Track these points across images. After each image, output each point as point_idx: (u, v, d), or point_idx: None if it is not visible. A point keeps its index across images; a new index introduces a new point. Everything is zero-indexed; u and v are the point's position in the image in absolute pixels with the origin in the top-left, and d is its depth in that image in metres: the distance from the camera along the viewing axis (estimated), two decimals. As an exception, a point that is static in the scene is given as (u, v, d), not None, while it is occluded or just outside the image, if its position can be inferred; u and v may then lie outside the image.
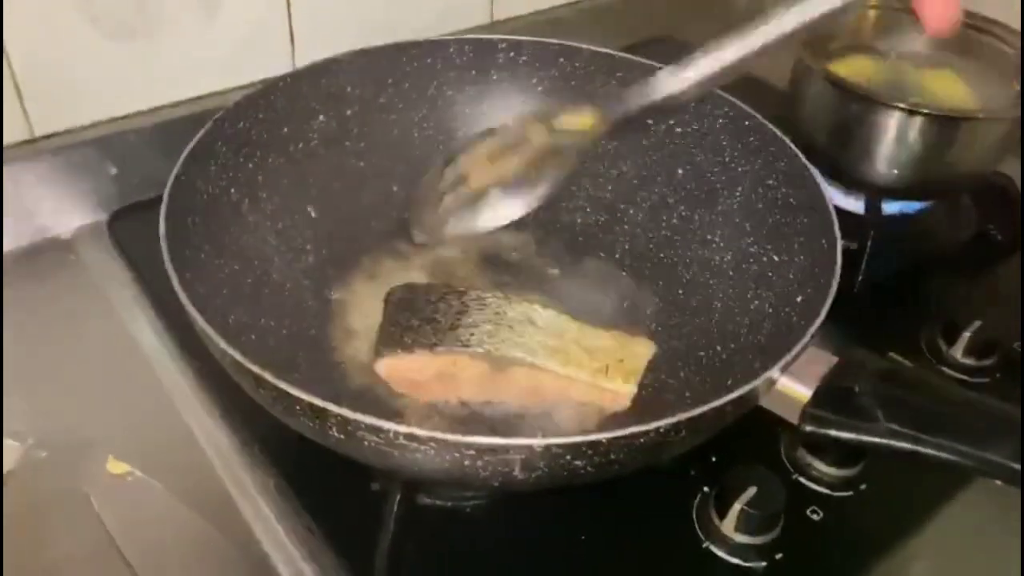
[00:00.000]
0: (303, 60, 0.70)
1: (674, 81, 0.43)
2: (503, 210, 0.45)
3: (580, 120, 0.46)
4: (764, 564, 0.46)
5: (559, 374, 0.50)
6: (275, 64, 0.70)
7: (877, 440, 0.38)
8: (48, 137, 0.63)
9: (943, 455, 0.37)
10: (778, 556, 0.46)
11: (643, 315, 0.57)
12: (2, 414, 0.50)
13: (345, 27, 0.72)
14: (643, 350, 0.52)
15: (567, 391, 0.51)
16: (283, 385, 0.36)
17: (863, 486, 0.50)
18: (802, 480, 0.50)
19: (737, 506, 0.46)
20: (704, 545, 0.47)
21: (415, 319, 0.51)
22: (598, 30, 0.89)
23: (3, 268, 0.61)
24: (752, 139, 0.56)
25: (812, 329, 0.41)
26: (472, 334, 0.50)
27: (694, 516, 0.48)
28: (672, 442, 0.38)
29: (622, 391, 0.50)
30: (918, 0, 0.38)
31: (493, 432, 0.49)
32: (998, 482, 0.36)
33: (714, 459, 0.50)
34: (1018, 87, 0.68)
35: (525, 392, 0.51)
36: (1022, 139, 0.63)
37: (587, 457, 0.36)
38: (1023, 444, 0.36)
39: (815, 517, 0.49)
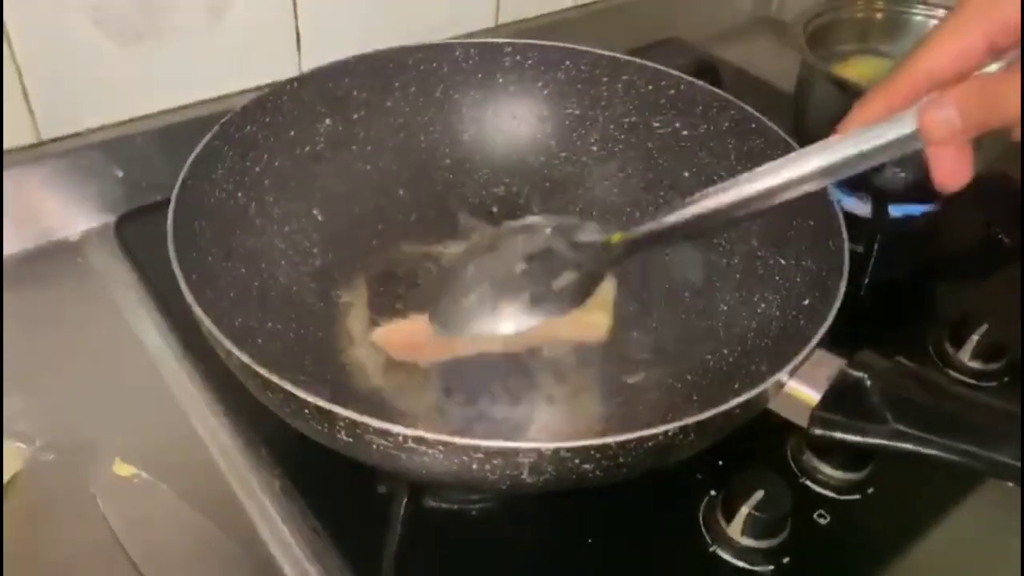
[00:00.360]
0: (309, 64, 0.71)
1: (703, 204, 0.44)
2: (523, 320, 0.48)
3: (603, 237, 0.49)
4: (771, 568, 0.46)
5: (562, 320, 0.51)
6: (281, 68, 0.70)
7: (887, 442, 0.38)
8: (55, 140, 0.63)
9: (953, 457, 0.37)
10: (785, 560, 0.46)
11: (648, 318, 0.57)
12: (1, 414, 0.50)
13: (351, 31, 0.72)
14: (607, 285, 0.56)
15: (553, 331, 0.53)
16: (292, 388, 0.36)
17: (870, 489, 0.50)
18: (809, 484, 0.50)
19: (744, 510, 0.45)
20: (711, 549, 0.47)
21: (399, 287, 0.52)
22: (604, 33, 0.88)
23: (6, 271, 0.61)
24: (758, 142, 0.56)
25: (821, 331, 0.41)
26: None
27: (700, 520, 0.48)
28: (680, 445, 0.38)
29: (601, 323, 0.55)
30: (932, 150, 0.37)
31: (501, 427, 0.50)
32: (1010, 484, 0.36)
33: (720, 463, 0.50)
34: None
35: (514, 339, 0.51)
36: (1022, 139, 0.63)
37: (595, 460, 0.36)
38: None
39: (822, 521, 0.48)
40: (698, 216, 0.44)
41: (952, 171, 0.37)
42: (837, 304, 0.42)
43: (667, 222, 0.45)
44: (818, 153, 0.40)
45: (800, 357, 0.39)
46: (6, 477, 0.47)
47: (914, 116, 0.36)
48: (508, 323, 0.48)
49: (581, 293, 0.49)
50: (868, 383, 0.40)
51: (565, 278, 0.49)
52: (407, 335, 0.51)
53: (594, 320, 0.55)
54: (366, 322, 0.55)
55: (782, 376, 0.40)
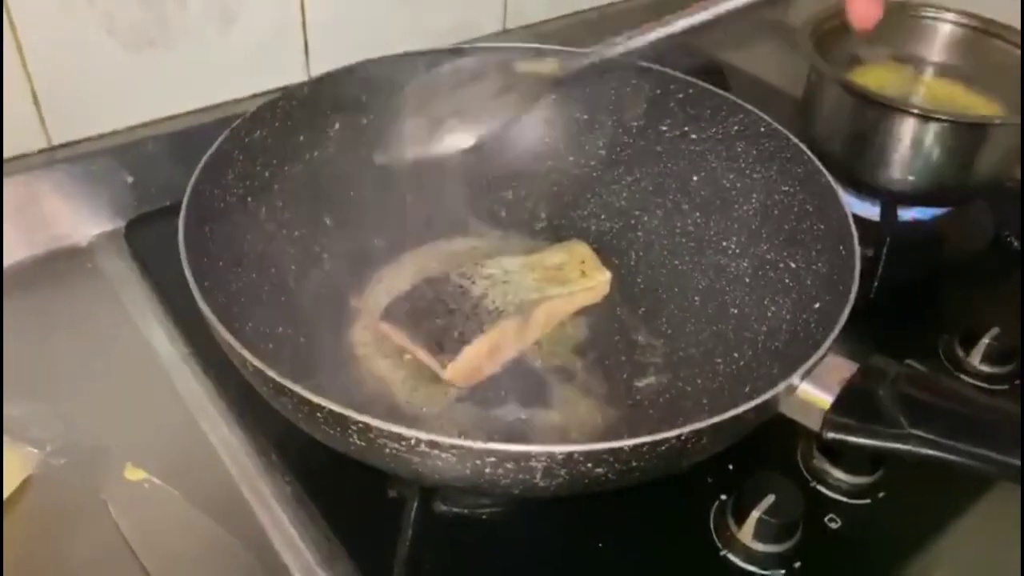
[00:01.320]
0: (318, 69, 0.71)
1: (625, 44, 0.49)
2: (459, 137, 0.52)
3: (539, 66, 0.54)
4: (783, 572, 0.46)
5: (564, 294, 0.56)
6: (290, 73, 0.70)
7: (902, 447, 0.38)
8: (66, 146, 0.64)
9: (968, 461, 0.36)
10: (796, 564, 0.46)
11: (659, 322, 0.57)
12: (2, 419, 0.50)
13: (359, 37, 0.73)
14: (582, 247, 0.60)
15: (571, 304, 0.57)
16: (306, 393, 0.36)
17: (881, 494, 0.50)
18: (820, 488, 0.50)
19: (755, 514, 0.45)
20: (722, 553, 0.46)
21: (437, 320, 0.52)
22: (611, 36, 0.89)
23: (16, 276, 0.61)
24: (767, 145, 0.56)
25: (833, 335, 0.41)
26: (493, 302, 0.53)
27: (711, 524, 0.48)
28: (693, 449, 0.38)
29: (603, 279, 0.58)
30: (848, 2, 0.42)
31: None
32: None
33: (731, 467, 0.50)
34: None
35: (543, 325, 0.56)
36: (1022, 142, 0.63)
37: (608, 464, 0.36)
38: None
39: (833, 525, 0.48)
40: (633, 49, 0.49)
41: (864, 12, 0.42)
42: (849, 307, 0.42)
43: (604, 55, 0.50)
44: None
45: (813, 360, 0.40)
46: (17, 481, 0.48)
47: None
48: (444, 143, 0.52)
49: (520, 104, 0.53)
50: (881, 387, 0.40)
51: (502, 95, 0.53)
52: (472, 362, 0.51)
53: (595, 281, 0.58)
54: (374, 330, 0.55)
55: (794, 379, 0.40)
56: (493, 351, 0.52)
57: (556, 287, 0.56)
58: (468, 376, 0.51)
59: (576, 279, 0.57)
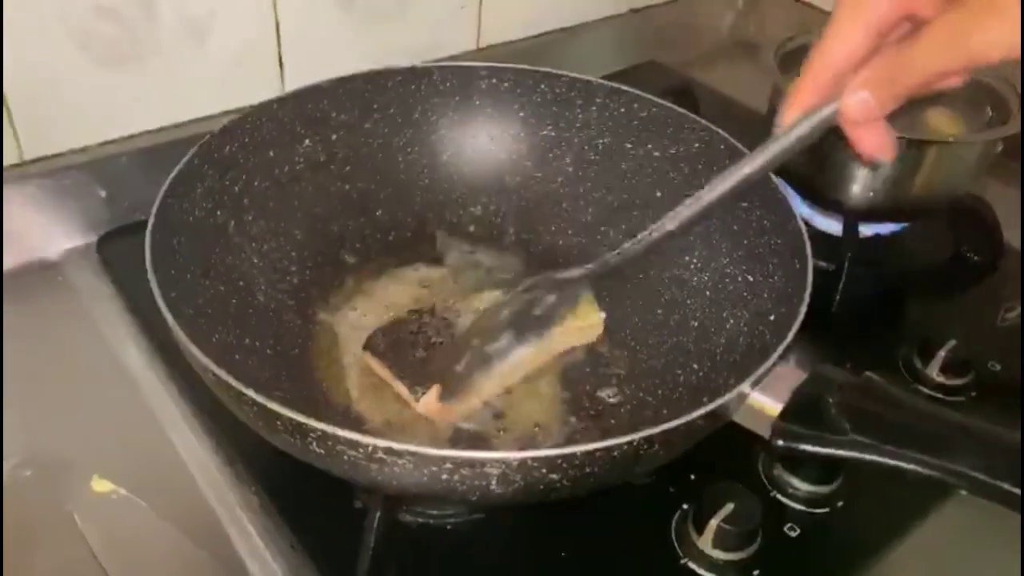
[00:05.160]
0: (292, 85, 0.71)
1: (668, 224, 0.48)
2: (515, 352, 0.53)
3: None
4: (741, 580, 0.47)
5: (556, 333, 0.55)
6: (264, 90, 0.71)
7: (846, 453, 0.39)
8: (38, 160, 0.64)
9: (909, 466, 0.37)
10: (755, 572, 0.47)
11: (623, 334, 0.58)
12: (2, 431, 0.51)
13: (333, 53, 0.74)
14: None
15: (560, 344, 0.56)
16: (265, 401, 0.36)
17: (840, 503, 0.51)
18: (779, 497, 0.51)
19: (714, 522, 0.46)
20: (682, 561, 0.47)
21: (418, 350, 0.52)
22: (584, 56, 0.90)
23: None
24: (727, 162, 0.56)
25: (783, 345, 0.42)
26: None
27: (673, 533, 0.48)
28: (646, 456, 0.38)
29: (597, 320, 0.57)
30: (853, 132, 0.40)
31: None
32: (962, 492, 0.37)
33: (692, 476, 0.51)
34: (991, 112, 0.69)
35: (529, 364, 0.54)
36: (1022, 152, 0.65)
37: (563, 471, 0.37)
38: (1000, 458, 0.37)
39: (792, 533, 0.49)
40: (666, 234, 0.48)
41: (879, 145, 0.40)
42: (799, 320, 0.43)
43: (641, 245, 0.49)
44: (760, 154, 0.44)
45: (761, 370, 0.41)
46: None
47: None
48: (502, 363, 0.52)
49: (560, 310, 0.53)
50: (828, 395, 0.41)
51: (543, 303, 0.53)
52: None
53: (588, 322, 0.57)
54: (341, 339, 0.56)
55: (744, 388, 0.41)
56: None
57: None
58: (443, 411, 0.51)
59: (572, 317, 0.56)
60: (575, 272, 0.52)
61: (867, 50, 0.39)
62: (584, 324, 0.56)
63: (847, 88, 0.39)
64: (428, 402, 0.51)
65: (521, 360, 0.53)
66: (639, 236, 0.49)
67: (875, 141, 0.40)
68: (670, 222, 0.47)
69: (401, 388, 0.51)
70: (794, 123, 0.41)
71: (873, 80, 0.38)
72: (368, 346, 0.54)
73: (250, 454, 0.51)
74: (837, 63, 0.40)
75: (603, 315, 0.57)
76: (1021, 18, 0.32)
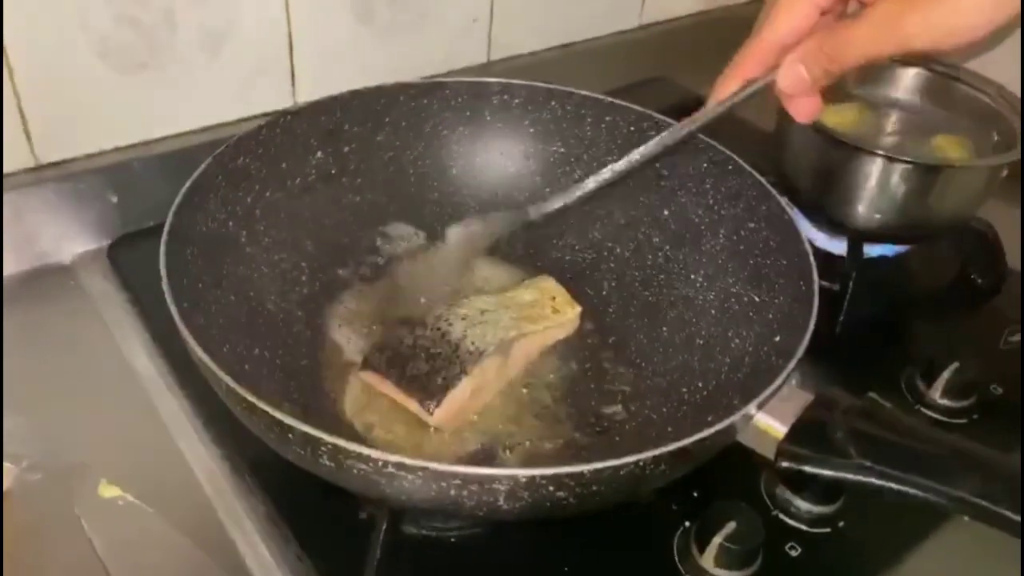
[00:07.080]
0: (304, 96, 0.72)
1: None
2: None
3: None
4: (743, 599, 0.47)
5: (539, 330, 0.57)
6: (277, 99, 0.72)
7: (849, 476, 0.39)
8: (52, 165, 0.65)
9: (911, 491, 0.38)
10: (756, 591, 0.47)
11: (628, 351, 0.58)
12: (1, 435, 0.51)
13: (345, 66, 0.74)
14: (551, 283, 0.61)
15: (545, 339, 0.58)
16: (277, 414, 0.37)
17: (841, 523, 0.51)
18: (781, 516, 0.51)
19: (716, 540, 0.46)
20: (684, 578, 0.48)
21: (419, 363, 0.52)
22: (594, 71, 0.91)
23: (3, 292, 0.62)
24: (734, 182, 0.57)
25: (789, 367, 0.42)
26: (472, 343, 0.53)
27: (675, 550, 0.49)
28: (652, 475, 0.39)
29: (573, 315, 0.60)
30: (788, 101, 0.45)
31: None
32: (965, 518, 0.38)
33: (695, 494, 0.51)
34: (997, 136, 0.70)
35: (520, 362, 0.57)
36: (1022, 176, 0.66)
37: (569, 488, 0.37)
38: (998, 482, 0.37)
39: (793, 553, 0.50)
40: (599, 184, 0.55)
41: (810, 113, 0.46)
42: (805, 342, 0.44)
43: (575, 197, 0.56)
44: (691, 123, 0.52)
45: (768, 392, 0.41)
46: (-8, 496, 0.48)
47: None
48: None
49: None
50: (833, 418, 0.41)
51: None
52: (456, 403, 0.52)
53: (565, 316, 0.59)
54: (348, 350, 0.56)
55: (750, 409, 0.41)
56: (476, 392, 0.53)
57: (530, 324, 0.57)
58: (453, 419, 0.52)
59: (548, 315, 0.58)
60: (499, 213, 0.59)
61: (811, 27, 0.42)
62: (563, 319, 0.59)
63: (784, 62, 0.42)
64: (441, 415, 0.51)
65: (512, 357, 0.55)
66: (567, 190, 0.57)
67: (807, 109, 0.45)
68: (592, 182, 0.55)
69: (411, 404, 0.51)
70: (730, 95, 0.46)
71: (811, 57, 0.41)
72: (367, 365, 0.53)
73: (258, 464, 0.51)
74: (783, 37, 0.43)
75: (579, 308, 0.60)
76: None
